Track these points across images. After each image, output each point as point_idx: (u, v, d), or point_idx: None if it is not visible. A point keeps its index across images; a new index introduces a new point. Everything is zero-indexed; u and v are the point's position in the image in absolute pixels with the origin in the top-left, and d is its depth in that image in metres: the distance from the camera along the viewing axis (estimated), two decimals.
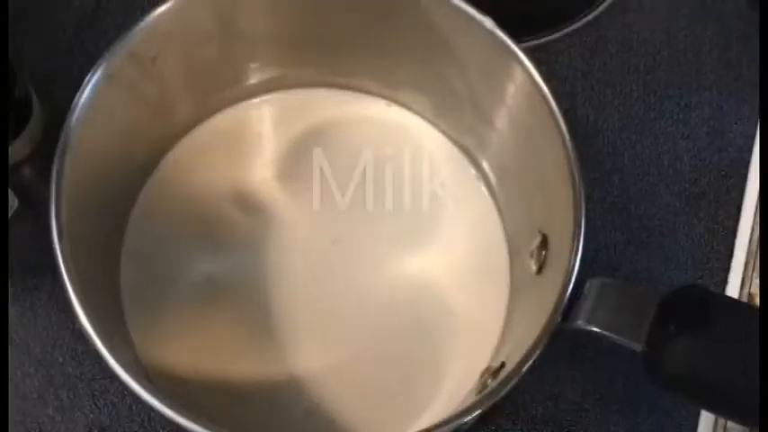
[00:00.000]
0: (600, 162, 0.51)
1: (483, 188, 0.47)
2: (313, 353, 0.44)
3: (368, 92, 0.49)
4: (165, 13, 0.39)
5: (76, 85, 0.38)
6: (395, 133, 0.49)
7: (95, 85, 0.38)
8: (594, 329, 0.35)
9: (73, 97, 0.38)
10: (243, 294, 0.45)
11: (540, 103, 0.39)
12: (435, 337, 0.45)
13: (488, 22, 0.40)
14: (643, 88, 0.54)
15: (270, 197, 0.47)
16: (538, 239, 0.41)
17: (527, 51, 0.40)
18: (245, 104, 0.48)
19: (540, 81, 0.39)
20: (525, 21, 0.52)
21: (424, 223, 0.47)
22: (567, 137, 0.38)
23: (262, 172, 0.47)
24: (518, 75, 0.40)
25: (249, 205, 0.47)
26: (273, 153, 0.48)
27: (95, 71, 0.38)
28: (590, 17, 0.55)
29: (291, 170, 0.48)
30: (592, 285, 0.36)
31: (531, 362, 0.35)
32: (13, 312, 0.45)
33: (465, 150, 0.48)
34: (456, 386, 0.43)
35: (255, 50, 0.46)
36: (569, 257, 0.36)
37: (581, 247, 0.36)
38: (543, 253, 0.40)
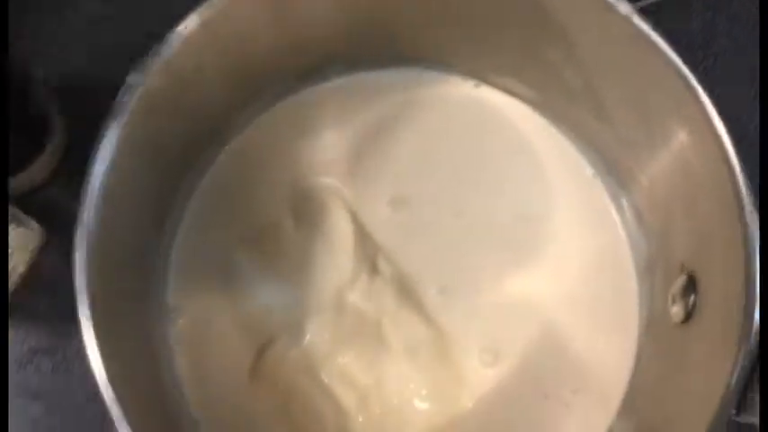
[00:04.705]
0: None
1: (604, 194, 0.38)
2: None
3: (449, 69, 0.40)
4: (207, 15, 0.30)
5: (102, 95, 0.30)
6: (486, 119, 0.40)
7: (126, 107, 0.30)
8: None
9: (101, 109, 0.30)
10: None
11: (698, 116, 0.31)
12: (547, 381, 0.37)
13: (624, 7, 0.31)
14: None
15: (333, 200, 0.39)
16: (682, 280, 0.33)
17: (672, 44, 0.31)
18: (305, 92, 0.40)
19: (699, 89, 0.31)
20: None
21: (530, 235, 0.39)
22: (737, 166, 0.30)
23: (325, 170, 0.39)
24: (661, 76, 0.31)
25: (305, 216, 0.39)
26: (339, 147, 0.39)
27: (124, 93, 0.30)
28: None
29: (359, 167, 0.39)
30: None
31: None
32: (44, 363, 0.38)
33: (577, 145, 0.39)
34: None
35: (315, 32, 0.37)
36: (739, 322, 0.28)
37: (757, 314, 0.28)
38: (692, 298, 0.32)
